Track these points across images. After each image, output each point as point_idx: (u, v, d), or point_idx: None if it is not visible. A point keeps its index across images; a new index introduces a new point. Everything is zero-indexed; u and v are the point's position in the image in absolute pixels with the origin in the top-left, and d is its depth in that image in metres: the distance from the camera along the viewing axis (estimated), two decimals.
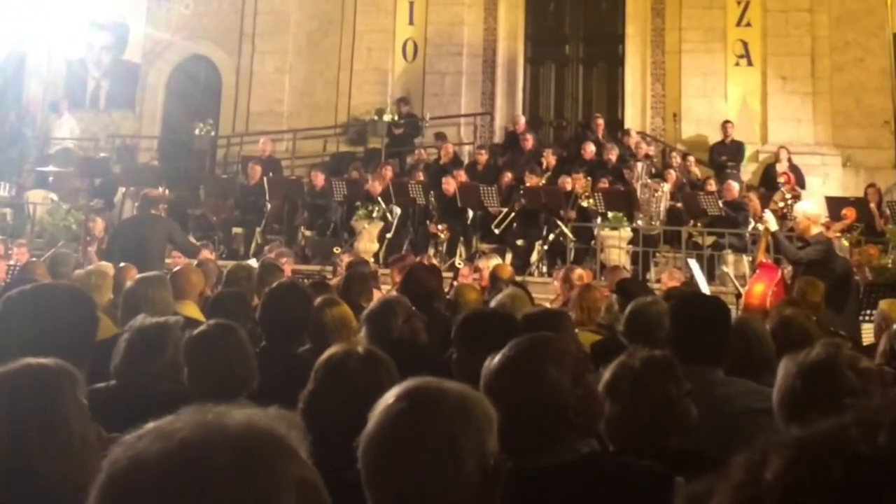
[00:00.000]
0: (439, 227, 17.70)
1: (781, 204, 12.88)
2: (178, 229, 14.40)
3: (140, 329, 5.02)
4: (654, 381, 3.79)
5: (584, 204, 17.62)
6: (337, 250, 17.09)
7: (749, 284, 12.40)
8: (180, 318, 5.50)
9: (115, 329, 6.36)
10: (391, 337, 5.98)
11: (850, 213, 16.21)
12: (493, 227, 17.89)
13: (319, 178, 19.66)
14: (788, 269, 11.77)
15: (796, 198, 16.06)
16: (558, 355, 3.29)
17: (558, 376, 3.20)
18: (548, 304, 10.35)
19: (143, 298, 6.81)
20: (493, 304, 7.42)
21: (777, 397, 3.50)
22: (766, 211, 12.71)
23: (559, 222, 17.20)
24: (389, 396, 2.43)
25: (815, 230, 11.68)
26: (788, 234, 12.55)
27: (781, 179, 18.50)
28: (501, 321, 5.25)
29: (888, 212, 17.50)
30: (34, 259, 13.03)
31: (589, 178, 18.51)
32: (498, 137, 22.88)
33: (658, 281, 15.00)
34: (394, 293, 8.30)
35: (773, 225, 11.86)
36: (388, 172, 19.44)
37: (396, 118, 22.34)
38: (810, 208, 12.20)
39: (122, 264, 10.19)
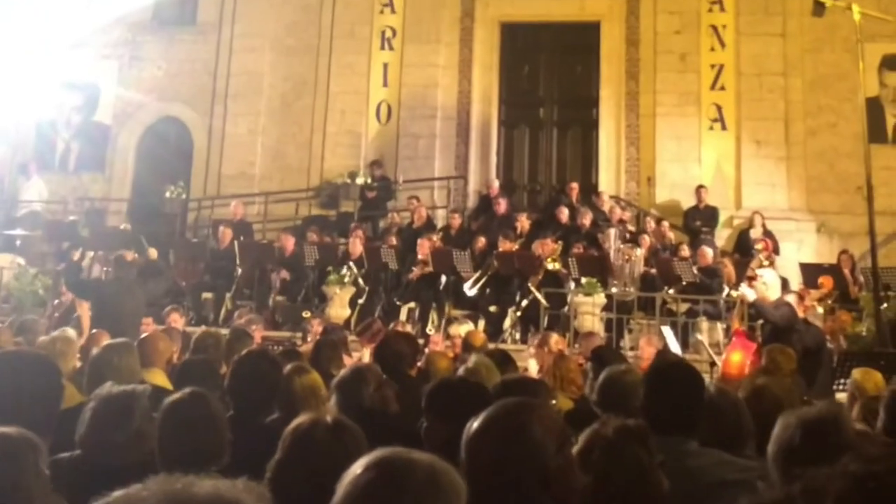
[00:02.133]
0: None
1: (759, 271, 12.80)
2: (156, 284, 14.42)
3: (107, 397, 4.86)
4: (627, 450, 3.77)
5: (550, 267, 17.43)
6: (307, 314, 16.88)
7: (726, 353, 12.31)
8: (147, 387, 5.35)
9: (81, 397, 6.33)
10: (362, 405, 5.97)
11: (826, 282, 16.14)
12: (466, 287, 17.63)
13: (289, 241, 19.42)
14: None
15: (773, 264, 15.97)
16: (544, 418, 3.29)
17: (543, 437, 3.19)
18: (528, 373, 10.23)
19: (109, 366, 6.71)
20: (461, 372, 7.39)
21: (773, 449, 3.58)
22: (743, 285, 12.62)
23: (532, 288, 17.04)
24: (357, 466, 2.42)
25: (774, 296, 11.65)
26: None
27: (759, 246, 18.42)
28: (472, 390, 5.20)
29: (862, 279, 17.44)
30: None
31: (560, 242, 18.38)
32: (472, 201, 22.82)
33: (633, 348, 14.87)
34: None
35: (750, 296, 11.76)
36: (360, 235, 19.31)
37: (369, 181, 22.23)
38: (768, 276, 12.12)
39: (93, 330, 10.28)
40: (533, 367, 10.89)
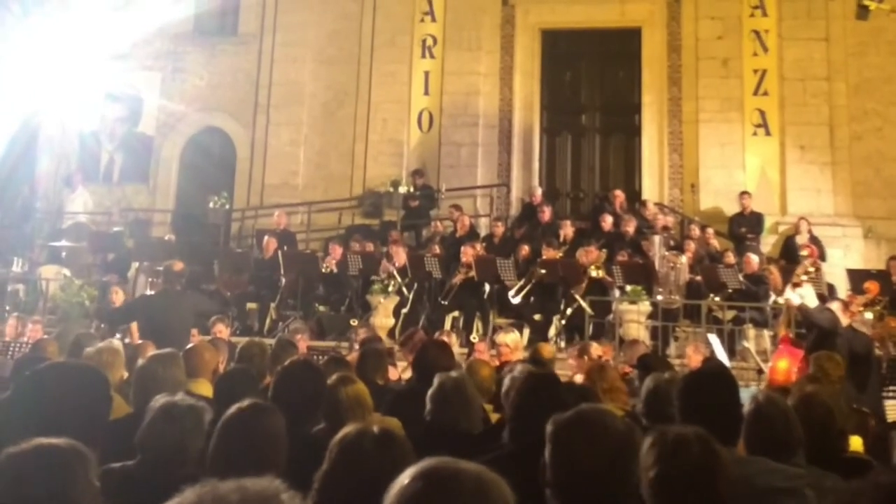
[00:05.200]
0: None
1: (805, 277, 12.66)
2: (203, 300, 14.50)
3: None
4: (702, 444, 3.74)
5: (594, 274, 17.35)
6: (354, 322, 16.90)
7: (773, 360, 12.23)
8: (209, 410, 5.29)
9: (128, 408, 6.44)
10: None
11: (872, 287, 15.91)
12: (510, 295, 17.56)
13: (337, 251, 19.40)
14: None
15: (818, 270, 15.80)
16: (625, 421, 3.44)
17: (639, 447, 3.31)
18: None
19: (155, 377, 6.68)
20: (507, 381, 7.26)
21: None
22: (788, 288, 12.56)
23: (577, 296, 16.94)
24: (405, 476, 2.39)
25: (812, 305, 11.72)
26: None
27: (805, 252, 18.23)
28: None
29: None
30: (45, 336, 12.92)
31: (604, 250, 18.29)
32: (514, 209, 22.77)
33: (679, 356, 14.74)
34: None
35: (795, 300, 11.70)
36: (398, 242, 19.35)
37: (412, 190, 22.22)
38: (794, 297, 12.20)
39: (139, 341, 10.24)
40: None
